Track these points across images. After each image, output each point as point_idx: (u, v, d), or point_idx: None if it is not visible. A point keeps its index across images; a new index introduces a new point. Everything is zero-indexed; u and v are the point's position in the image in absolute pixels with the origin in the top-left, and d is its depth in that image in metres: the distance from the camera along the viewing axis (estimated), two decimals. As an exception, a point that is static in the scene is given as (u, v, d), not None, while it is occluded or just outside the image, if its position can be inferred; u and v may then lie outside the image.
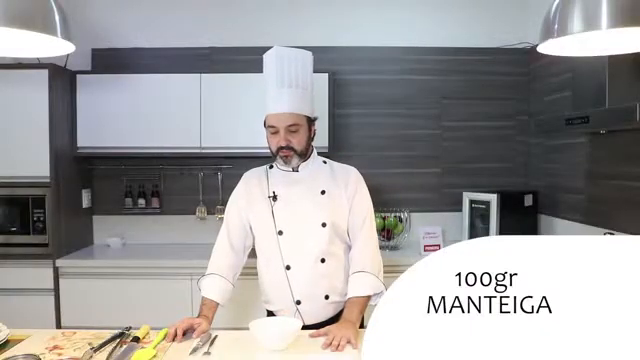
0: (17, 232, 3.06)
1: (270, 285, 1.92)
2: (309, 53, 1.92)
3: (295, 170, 1.91)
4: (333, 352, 1.54)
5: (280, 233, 1.86)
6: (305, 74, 1.88)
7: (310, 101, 1.88)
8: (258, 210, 1.90)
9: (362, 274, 1.85)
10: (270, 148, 1.89)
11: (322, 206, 1.87)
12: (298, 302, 1.85)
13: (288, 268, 1.85)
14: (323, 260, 1.86)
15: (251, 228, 1.94)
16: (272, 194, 1.89)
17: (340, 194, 1.90)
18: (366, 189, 1.97)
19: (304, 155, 1.89)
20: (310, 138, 1.90)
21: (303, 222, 1.86)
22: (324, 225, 1.86)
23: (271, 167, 1.97)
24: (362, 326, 1.79)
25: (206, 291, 1.88)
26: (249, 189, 1.95)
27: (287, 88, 1.82)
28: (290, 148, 1.83)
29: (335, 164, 2.00)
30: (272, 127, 1.84)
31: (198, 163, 3.53)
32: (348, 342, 1.58)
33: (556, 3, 1.38)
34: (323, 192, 1.89)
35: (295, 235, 1.86)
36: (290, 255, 1.85)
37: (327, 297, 1.87)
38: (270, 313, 1.97)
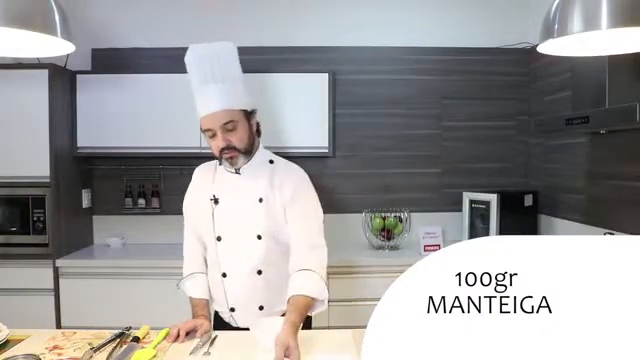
0: (17, 232, 3.05)
1: (210, 287, 1.89)
2: (230, 44, 1.78)
3: (237, 172, 1.81)
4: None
5: (219, 239, 1.81)
6: (230, 67, 1.75)
7: (242, 94, 1.75)
8: (203, 211, 1.84)
9: (311, 273, 1.69)
10: (213, 152, 1.78)
11: (258, 216, 1.77)
12: (232, 309, 1.83)
13: (224, 276, 1.81)
14: (260, 272, 1.79)
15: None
16: (213, 197, 1.81)
17: (276, 202, 1.78)
18: (308, 192, 1.83)
19: (250, 152, 1.77)
20: (252, 133, 1.79)
21: (240, 231, 1.79)
22: (259, 237, 1.77)
23: (220, 163, 1.85)
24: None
25: (194, 291, 1.86)
26: (198, 187, 1.90)
27: (212, 85, 1.70)
28: (232, 148, 1.72)
29: (281, 165, 1.86)
30: (208, 130, 1.72)
31: (198, 163, 3.48)
32: None
33: (556, 3, 1.38)
34: (261, 200, 1.78)
35: (232, 244, 1.79)
36: (227, 263, 1.81)
37: (262, 308, 1.82)
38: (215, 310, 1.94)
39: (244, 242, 1.79)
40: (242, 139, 1.74)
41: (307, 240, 1.76)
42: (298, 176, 1.84)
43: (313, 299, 1.67)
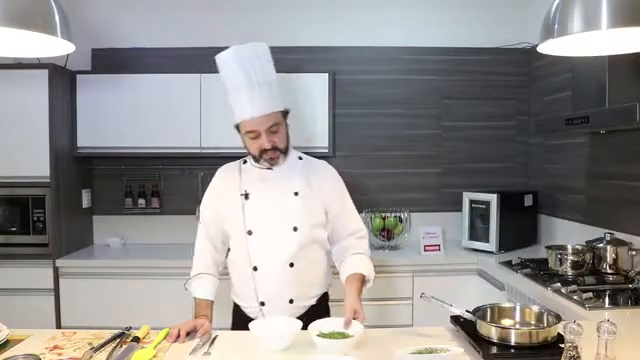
0: (17, 232, 3.06)
1: (237, 282, 1.91)
2: (263, 44, 1.82)
3: (269, 168, 1.85)
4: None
5: (250, 233, 1.82)
6: (269, 68, 1.81)
7: (280, 94, 1.82)
8: (230, 207, 1.86)
9: (363, 256, 1.88)
10: (251, 153, 1.84)
11: (294, 209, 1.83)
12: (262, 303, 1.83)
13: (255, 269, 1.82)
14: (292, 264, 1.81)
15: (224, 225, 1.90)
16: (244, 192, 1.85)
17: (314, 197, 1.86)
18: (344, 186, 1.97)
19: (287, 151, 1.85)
20: (288, 132, 1.86)
21: (273, 224, 1.82)
22: (295, 229, 1.81)
23: (245, 162, 1.93)
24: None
25: (199, 292, 1.86)
26: (223, 185, 1.92)
27: (258, 89, 1.75)
28: (275, 148, 1.79)
29: (312, 161, 1.95)
30: (252, 132, 1.77)
31: (198, 163, 3.52)
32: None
33: (556, 3, 1.38)
34: (296, 194, 1.84)
35: (264, 237, 1.82)
36: (258, 257, 1.82)
37: (292, 301, 1.83)
38: (237, 306, 1.95)
39: (278, 235, 1.82)
40: (283, 139, 1.82)
41: (357, 230, 1.94)
42: (332, 173, 1.97)
43: (364, 278, 1.83)
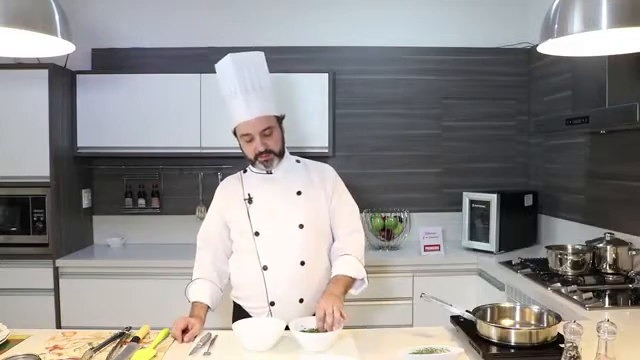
0: (17, 232, 3.06)
1: (245, 284, 1.89)
2: (261, 53, 1.91)
3: (269, 172, 1.90)
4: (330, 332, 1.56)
5: (257, 234, 1.85)
6: (264, 75, 1.88)
7: (274, 100, 1.89)
8: (235, 214, 1.89)
9: (350, 257, 1.85)
10: (247, 156, 1.89)
11: (298, 207, 1.87)
12: (272, 303, 1.83)
13: (265, 268, 1.83)
14: (303, 263, 1.83)
15: (229, 233, 1.92)
16: (247, 196, 1.88)
17: (318, 194, 1.91)
18: (343, 184, 1.99)
19: (282, 155, 1.90)
20: (284, 137, 1.91)
21: (280, 223, 1.85)
22: (301, 226, 1.84)
23: (245, 171, 1.97)
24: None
25: (195, 295, 1.82)
26: (225, 197, 1.95)
27: (252, 93, 1.82)
28: (269, 151, 1.83)
29: (309, 163, 2.00)
30: (246, 135, 1.83)
31: (198, 163, 3.53)
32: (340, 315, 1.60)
33: (556, 3, 1.38)
34: (299, 193, 1.89)
35: (273, 236, 1.84)
36: (268, 256, 1.83)
37: (302, 300, 1.84)
38: (239, 309, 1.93)
39: (285, 233, 1.84)
40: (277, 143, 1.86)
41: (349, 226, 1.94)
42: (332, 171, 2.00)
43: (353, 279, 1.82)
